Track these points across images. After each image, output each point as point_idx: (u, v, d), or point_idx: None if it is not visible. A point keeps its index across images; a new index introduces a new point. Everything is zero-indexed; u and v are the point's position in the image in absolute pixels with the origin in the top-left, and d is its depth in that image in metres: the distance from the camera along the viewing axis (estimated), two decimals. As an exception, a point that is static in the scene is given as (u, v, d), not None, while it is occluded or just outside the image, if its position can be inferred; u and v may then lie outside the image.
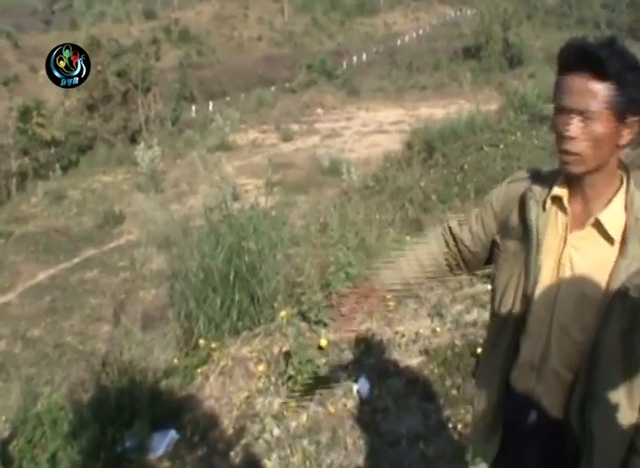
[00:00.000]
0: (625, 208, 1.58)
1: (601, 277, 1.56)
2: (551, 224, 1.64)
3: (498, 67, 33.53)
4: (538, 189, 1.69)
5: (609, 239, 1.57)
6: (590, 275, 1.58)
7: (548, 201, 1.66)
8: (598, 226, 1.58)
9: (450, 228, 1.97)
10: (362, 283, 1.98)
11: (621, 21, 42.59)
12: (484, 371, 1.87)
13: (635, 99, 1.51)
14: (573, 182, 1.61)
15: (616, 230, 1.57)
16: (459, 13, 56.09)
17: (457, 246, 1.95)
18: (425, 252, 2.02)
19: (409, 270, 2.01)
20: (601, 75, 1.48)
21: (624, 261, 1.54)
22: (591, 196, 1.60)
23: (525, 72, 24.93)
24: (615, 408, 1.55)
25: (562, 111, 1.53)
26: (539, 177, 1.73)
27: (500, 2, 37.50)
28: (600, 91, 1.49)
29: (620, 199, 1.59)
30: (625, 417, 1.56)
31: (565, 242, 1.62)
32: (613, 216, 1.58)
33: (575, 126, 1.51)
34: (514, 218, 1.73)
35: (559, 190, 1.64)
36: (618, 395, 1.55)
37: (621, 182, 1.61)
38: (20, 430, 3.66)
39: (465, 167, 9.78)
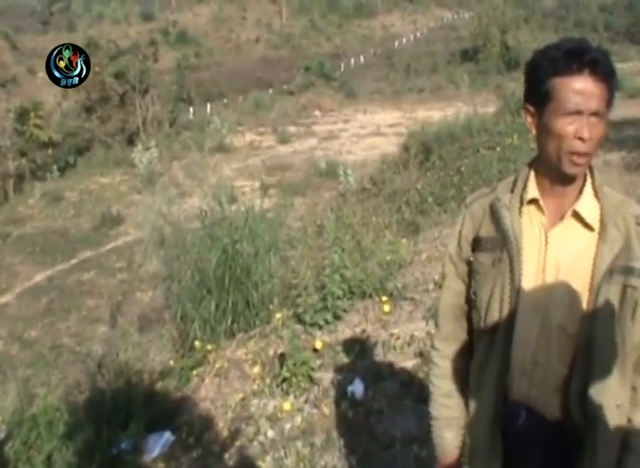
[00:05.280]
0: (596, 195, 1.65)
1: (586, 266, 1.61)
2: (527, 228, 1.67)
3: (495, 70, 33.59)
4: (505, 197, 1.71)
5: (588, 227, 1.62)
6: (576, 267, 1.62)
7: (524, 205, 1.68)
8: (577, 217, 1.63)
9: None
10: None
11: (619, 24, 42.80)
12: (477, 392, 1.82)
13: (614, 95, 1.59)
14: (553, 182, 1.65)
15: (593, 218, 1.62)
16: (456, 16, 56.19)
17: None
18: (447, 388, 1.93)
19: (457, 415, 1.92)
20: (601, 76, 1.54)
21: (606, 245, 1.59)
22: (568, 191, 1.65)
23: (522, 75, 24.88)
24: (611, 387, 1.59)
25: (571, 114, 1.56)
26: (500, 188, 1.76)
27: (497, 5, 37.59)
28: (604, 91, 1.55)
29: (588, 188, 1.65)
30: (619, 397, 1.60)
31: (546, 241, 1.65)
32: (587, 205, 1.63)
33: (588, 127, 1.55)
34: (485, 231, 1.74)
35: (533, 193, 1.67)
36: (613, 374, 1.59)
37: (585, 173, 1.66)
38: (16, 431, 3.66)
39: (462, 169, 9.76)
